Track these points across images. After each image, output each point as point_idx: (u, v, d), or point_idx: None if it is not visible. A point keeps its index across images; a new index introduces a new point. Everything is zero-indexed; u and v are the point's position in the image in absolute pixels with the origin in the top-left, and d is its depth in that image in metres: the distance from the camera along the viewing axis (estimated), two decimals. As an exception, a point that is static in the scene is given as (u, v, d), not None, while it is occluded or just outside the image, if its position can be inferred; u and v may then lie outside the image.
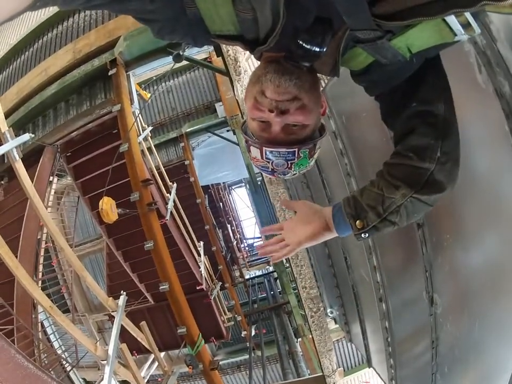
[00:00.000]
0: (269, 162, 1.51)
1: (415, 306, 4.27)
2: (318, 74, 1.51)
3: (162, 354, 13.06)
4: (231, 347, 16.68)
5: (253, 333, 16.24)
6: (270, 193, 7.88)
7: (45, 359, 8.17)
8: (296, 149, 1.45)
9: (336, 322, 10.26)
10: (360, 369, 12.74)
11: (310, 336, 9.75)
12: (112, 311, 6.23)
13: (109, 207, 7.31)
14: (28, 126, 9.63)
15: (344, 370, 12.41)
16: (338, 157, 4.42)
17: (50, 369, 7.97)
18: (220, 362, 15.58)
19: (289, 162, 1.49)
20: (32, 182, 7.04)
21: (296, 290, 9.86)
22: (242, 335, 15.50)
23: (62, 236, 6.34)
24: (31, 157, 8.91)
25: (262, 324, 16.98)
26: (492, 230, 2.53)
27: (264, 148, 1.47)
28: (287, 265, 13.50)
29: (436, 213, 3.07)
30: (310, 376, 11.65)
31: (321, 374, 10.05)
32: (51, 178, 9.44)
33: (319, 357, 9.72)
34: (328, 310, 9.88)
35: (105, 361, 5.48)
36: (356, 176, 4.33)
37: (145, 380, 13.49)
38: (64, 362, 8.98)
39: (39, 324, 8.44)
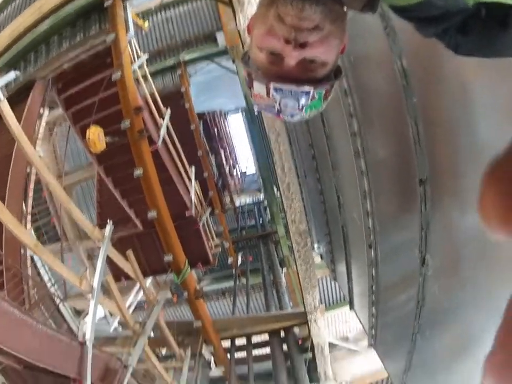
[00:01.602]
0: (275, 101, 1.27)
1: (405, 262, 4.12)
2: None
3: (150, 280, 13.28)
4: (216, 273, 16.90)
5: (240, 260, 16.40)
6: (266, 124, 7.60)
7: (35, 294, 8.18)
8: (312, 89, 1.22)
9: (322, 259, 10.24)
10: (341, 306, 12.88)
11: (295, 268, 9.72)
12: (98, 242, 6.14)
13: (96, 137, 7.20)
14: (19, 64, 9.46)
15: (325, 306, 12.53)
16: (342, 97, 4.15)
17: (40, 305, 8.01)
18: (205, 288, 15.87)
19: (300, 103, 1.25)
20: (22, 116, 7.09)
21: (285, 220, 9.74)
22: (228, 262, 15.62)
23: (49, 172, 6.29)
24: (22, 93, 8.84)
25: (249, 251, 17.14)
26: None
27: (272, 84, 1.23)
28: (278, 195, 13.38)
29: (440, 172, 2.90)
30: (292, 311, 11.78)
31: (303, 310, 10.10)
32: (41, 110, 9.23)
33: (303, 292, 9.75)
34: (315, 245, 9.83)
35: (91, 295, 5.49)
36: (358, 117, 4.09)
37: (133, 306, 13.74)
38: (54, 296, 9.03)
39: (29, 259, 8.37)
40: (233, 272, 15.21)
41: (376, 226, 4.59)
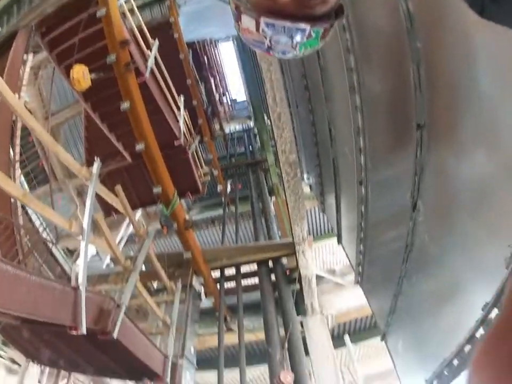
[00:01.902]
0: (265, 37, 1.19)
1: (396, 205, 4.06)
2: None
3: (139, 212, 13.28)
4: (206, 201, 16.91)
5: (229, 188, 16.40)
6: (258, 53, 7.33)
7: (27, 242, 8.15)
8: (309, 27, 1.12)
9: (311, 189, 10.20)
10: (329, 238, 13.00)
11: (284, 198, 9.71)
12: (86, 181, 6.03)
13: (80, 75, 6.93)
14: (2, 19, 9.51)
15: (313, 237, 12.65)
16: (339, 31, 3.92)
17: (33, 252, 8.00)
18: (194, 217, 15.93)
19: (294, 41, 1.17)
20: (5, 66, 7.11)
21: (275, 149, 9.63)
22: (218, 190, 15.59)
23: (34, 118, 6.19)
24: (5, 45, 8.90)
25: (238, 179, 17.08)
26: (485, 149, 2.39)
27: (262, 19, 1.13)
28: (269, 123, 13.18)
29: (438, 119, 2.78)
30: (280, 242, 11.88)
31: (291, 240, 10.16)
32: (25, 57, 9.16)
33: (291, 223, 9.77)
34: (305, 176, 9.76)
35: (81, 237, 5.42)
36: (355, 54, 3.91)
37: (124, 240, 13.82)
38: (46, 240, 9.02)
39: (19, 208, 8.30)
40: (223, 200, 15.22)
41: (368, 164, 4.50)
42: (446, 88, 2.61)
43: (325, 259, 13.54)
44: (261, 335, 10.22)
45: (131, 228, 11.77)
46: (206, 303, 11.40)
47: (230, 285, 11.79)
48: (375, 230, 5.08)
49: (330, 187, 7.06)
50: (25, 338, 6.81)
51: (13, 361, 21.34)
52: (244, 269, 11.74)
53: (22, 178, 11.52)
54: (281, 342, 9.35)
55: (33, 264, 7.70)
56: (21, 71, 8.90)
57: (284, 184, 9.20)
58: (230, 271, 11.68)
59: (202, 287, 10.90)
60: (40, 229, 8.50)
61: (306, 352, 10.00)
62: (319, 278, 11.35)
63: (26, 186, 12.06)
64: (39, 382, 16.55)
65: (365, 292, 6.51)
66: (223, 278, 11.42)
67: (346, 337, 13.12)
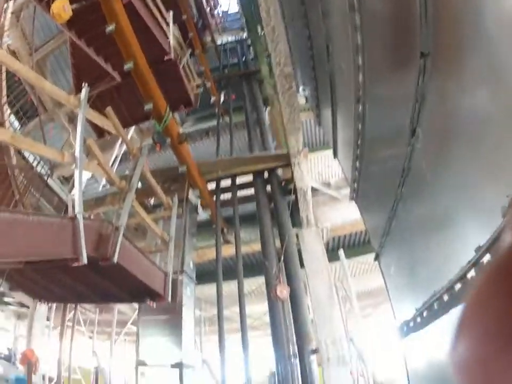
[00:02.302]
0: None
1: (394, 127, 3.99)
2: None
3: (132, 129, 13.13)
4: (199, 113, 16.62)
5: (222, 99, 16.13)
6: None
7: (23, 180, 8.06)
8: None
9: (307, 101, 10.06)
10: (325, 149, 12.94)
11: (279, 109, 9.59)
12: (75, 108, 5.90)
13: (60, 9, 6.59)
14: None
15: (309, 148, 12.61)
16: None
17: (29, 187, 7.94)
18: (188, 129, 15.78)
19: None
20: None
21: (269, 60, 9.41)
22: (211, 102, 15.34)
23: (16, 61, 5.85)
24: None
25: (232, 90, 16.70)
26: (488, 88, 2.31)
27: None
28: (262, 33, 12.76)
29: (443, 48, 2.66)
30: (275, 153, 11.85)
31: (286, 152, 10.14)
32: (6, 5, 9.25)
33: (286, 135, 9.71)
34: (301, 89, 9.59)
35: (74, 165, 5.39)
36: None
37: (118, 159, 13.75)
38: (41, 174, 8.96)
39: (12, 149, 8.14)
40: (216, 111, 15.01)
41: (366, 82, 4.38)
42: (452, 21, 2.47)
43: (321, 171, 13.59)
44: (258, 247, 10.45)
45: (125, 146, 11.77)
46: (202, 216, 11.56)
47: (226, 196, 11.91)
48: (371, 149, 5.03)
49: (326, 101, 6.91)
50: (30, 280, 6.96)
51: (22, 304, 22.08)
52: (240, 180, 11.82)
53: (12, 118, 11.40)
54: (277, 255, 9.57)
55: (30, 200, 7.71)
56: (2, 18, 8.83)
57: (278, 97, 9.06)
58: (226, 183, 11.75)
59: (198, 200, 11.01)
60: (35, 164, 8.46)
61: (302, 265, 10.26)
62: (314, 190, 11.46)
63: (17, 124, 12.00)
64: (47, 319, 17.18)
65: (360, 209, 6.57)
66: (219, 190, 11.54)
67: (341, 252, 13.40)
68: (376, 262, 6.01)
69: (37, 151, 5.51)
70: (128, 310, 18.52)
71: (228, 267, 13.28)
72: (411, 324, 4.31)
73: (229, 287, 15.53)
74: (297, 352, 8.36)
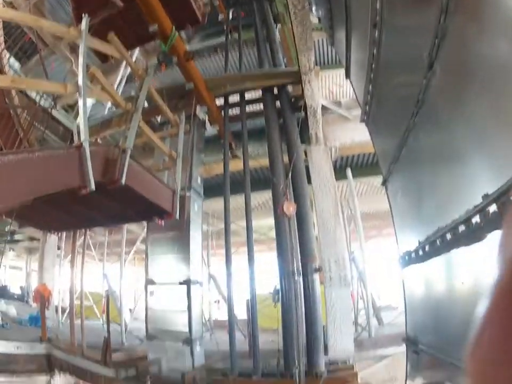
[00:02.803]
0: None
1: (412, 56, 3.86)
2: None
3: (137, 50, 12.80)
4: (207, 30, 15.98)
5: (231, 17, 15.53)
6: None
7: (26, 117, 7.92)
8: None
9: (320, 22, 9.72)
10: (337, 68, 12.61)
11: (291, 27, 9.29)
12: (76, 39, 5.74)
13: None
14: None
15: (320, 66, 12.33)
16: None
17: (34, 123, 7.82)
18: (195, 46, 15.34)
19: None
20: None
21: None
22: (219, 19, 14.82)
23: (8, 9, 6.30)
24: None
25: (241, 8, 16.01)
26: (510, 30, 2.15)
27: None
28: None
29: None
30: (286, 69, 11.59)
31: (297, 69, 9.94)
32: None
33: (298, 54, 9.48)
34: (314, 8, 9.25)
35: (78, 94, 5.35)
36: None
37: (124, 80, 13.48)
38: (45, 108, 8.80)
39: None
40: (225, 27, 14.55)
41: (385, 10, 4.23)
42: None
43: (332, 90, 13.35)
44: (265, 162, 10.47)
45: (129, 70, 11.53)
46: (210, 131, 11.53)
47: (235, 112, 11.82)
48: (385, 74, 4.89)
49: (340, 23, 6.63)
50: (39, 213, 7.05)
51: (32, 239, 22.34)
52: (248, 96, 11.67)
53: (12, 60, 11.17)
54: (285, 171, 9.60)
55: (35, 135, 7.67)
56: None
57: (290, 16, 8.76)
58: (234, 99, 11.62)
59: (206, 116, 10.95)
60: (38, 98, 8.36)
61: (309, 182, 10.32)
62: (324, 109, 11.32)
63: (17, 65, 11.72)
64: (58, 248, 17.46)
65: (370, 132, 6.49)
66: (227, 105, 11.40)
67: (348, 171, 13.40)
68: (383, 188, 6.05)
69: (39, 88, 5.44)
70: (137, 228, 18.90)
71: (236, 181, 13.33)
72: (413, 255, 4.40)
73: (236, 201, 15.78)
74: (301, 270, 8.58)
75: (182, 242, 9.26)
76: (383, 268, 20.94)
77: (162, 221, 8.21)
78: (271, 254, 10.98)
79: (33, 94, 9.66)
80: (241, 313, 12.75)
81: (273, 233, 9.25)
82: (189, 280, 9.08)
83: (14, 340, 11.07)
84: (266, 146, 10.49)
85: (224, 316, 16.00)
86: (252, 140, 11.30)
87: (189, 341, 8.99)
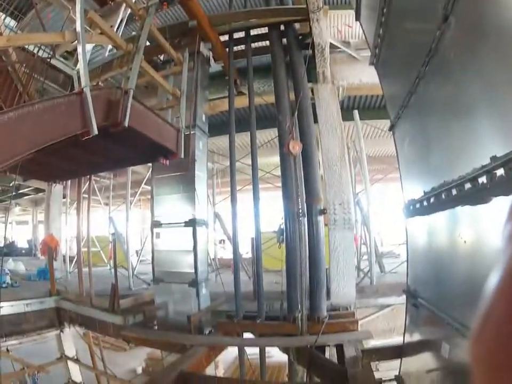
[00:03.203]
0: None
1: (424, 5, 3.74)
2: None
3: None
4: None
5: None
6: None
7: (25, 71, 7.69)
8: None
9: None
10: (346, 9, 12.14)
11: None
12: None
13: None
14: None
15: (329, 5, 11.92)
16: None
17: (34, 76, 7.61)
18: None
19: None
20: None
21: None
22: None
23: None
24: None
25: None
26: None
27: None
28: None
29: None
30: (294, 6, 11.17)
31: (305, 6, 9.59)
32: None
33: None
34: None
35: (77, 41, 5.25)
36: None
37: (124, 21, 13.04)
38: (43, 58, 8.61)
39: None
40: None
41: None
42: None
43: (340, 30, 12.92)
44: (271, 99, 10.30)
45: (129, 10, 11.21)
46: (215, 67, 11.31)
47: (240, 48, 11.53)
48: (398, 20, 4.73)
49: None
50: (43, 165, 7.00)
51: (38, 190, 22.21)
52: (254, 32, 11.34)
53: (7, 20, 10.82)
54: (291, 109, 9.44)
55: (35, 86, 7.49)
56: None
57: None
58: (239, 35, 11.31)
59: (210, 53, 10.71)
60: (36, 50, 8.13)
61: (315, 121, 10.15)
62: (332, 47, 10.97)
63: (13, 23, 11.31)
64: (64, 197, 17.39)
65: (380, 75, 6.34)
66: (232, 41, 11.10)
67: (355, 112, 13.15)
68: (391, 133, 5.94)
69: (36, 41, 5.40)
70: (143, 169, 18.80)
71: (241, 118, 13.22)
72: (417, 205, 4.39)
73: (242, 139, 15.66)
74: (305, 211, 8.57)
75: (187, 182, 9.23)
76: (387, 213, 20.92)
77: (167, 161, 8.18)
78: (276, 193, 10.95)
79: (31, 47, 9.46)
80: (246, 252, 12.89)
81: (278, 172, 9.18)
82: (195, 220, 9.14)
83: (24, 298, 11.12)
84: (272, 84, 10.27)
85: (229, 255, 16.28)
86: (257, 76, 11.07)
87: (194, 282, 9.17)
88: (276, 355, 19.59)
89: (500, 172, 2.26)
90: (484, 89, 2.68)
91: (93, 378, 14.27)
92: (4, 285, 11.16)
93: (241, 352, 9.79)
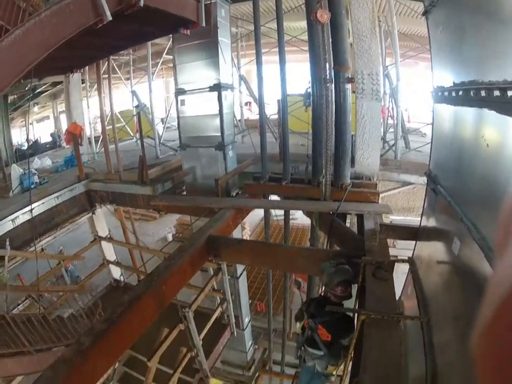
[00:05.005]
0: None
1: None
2: None
3: None
4: None
5: None
6: None
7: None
8: None
9: None
10: None
11: None
12: None
13: None
14: None
15: None
16: None
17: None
18: None
19: None
20: None
21: None
22: None
23: None
24: None
25: None
26: None
27: None
28: None
29: None
30: None
31: None
32: None
33: None
34: None
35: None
36: None
37: None
38: None
39: None
40: None
41: None
42: None
43: None
44: None
45: None
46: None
47: None
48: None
49: None
50: (58, 60, 7.18)
51: (55, 83, 21.71)
52: None
53: None
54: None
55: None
56: None
57: None
58: None
59: None
60: None
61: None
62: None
63: None
64: (82, 82, 17.17)
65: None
66: None
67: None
68: (424, 18, 5.60)
69: None
70: (163, 40, 18.30)
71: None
72: (445, 93, 4.31)
73: (266, 3, 15.28)
74: (333, 77, 8.47)
75: (210, 48, 9.12)
76: (416, 90, 20.56)
77: (188, 31, 8.08)
78: (302, 55, 10.70)
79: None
80: (272, 113, 12.86)
81: (305, 36, 8.95)
82: (219, 84, 9.14)
83: (53, 192, 11.32)
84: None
85: (255, 116, 16.43)
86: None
87: (221, 145, 9.32)
88: (300, 218, 20.17)
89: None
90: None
91: (126, 255, 14.99)
92: (32, 186, 11.30)
93: (267, 214, 10.15)
